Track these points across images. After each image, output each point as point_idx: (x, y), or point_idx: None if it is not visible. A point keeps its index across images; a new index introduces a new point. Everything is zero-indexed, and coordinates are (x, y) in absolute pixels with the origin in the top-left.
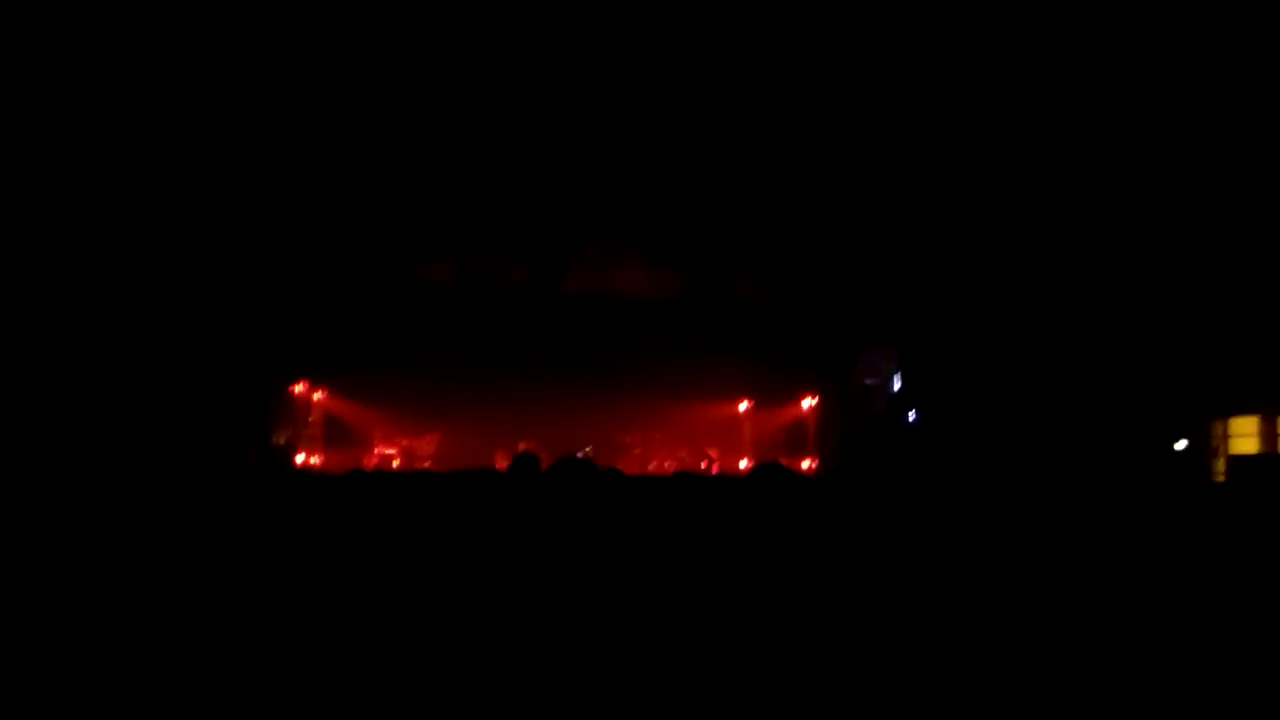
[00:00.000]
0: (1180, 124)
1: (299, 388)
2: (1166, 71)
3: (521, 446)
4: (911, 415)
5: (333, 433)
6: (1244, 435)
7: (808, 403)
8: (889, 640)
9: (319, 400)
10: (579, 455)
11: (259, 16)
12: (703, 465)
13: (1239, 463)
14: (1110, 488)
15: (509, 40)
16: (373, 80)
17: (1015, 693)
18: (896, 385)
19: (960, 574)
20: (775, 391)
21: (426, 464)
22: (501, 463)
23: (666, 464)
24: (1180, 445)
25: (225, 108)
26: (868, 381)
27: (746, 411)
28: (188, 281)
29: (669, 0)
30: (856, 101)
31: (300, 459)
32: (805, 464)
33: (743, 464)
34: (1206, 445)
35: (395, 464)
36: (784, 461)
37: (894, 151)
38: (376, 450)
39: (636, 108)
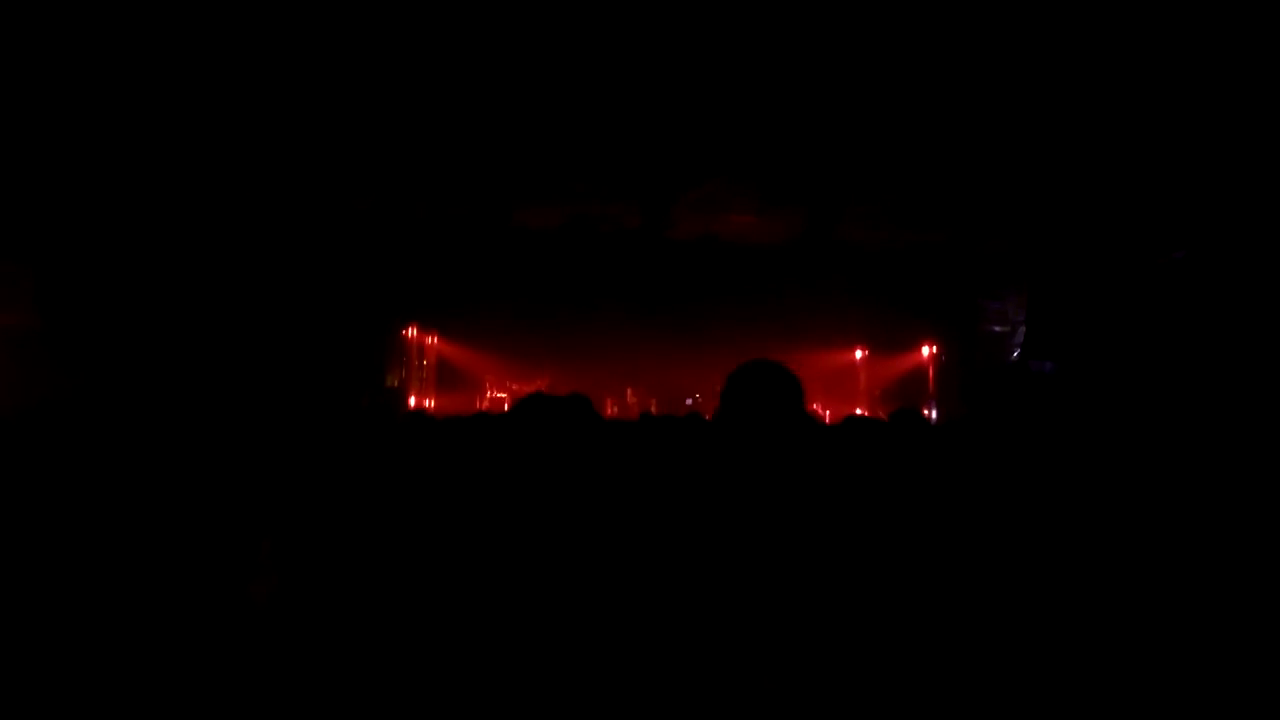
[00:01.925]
0: None
1: (412, 331)
2: None
3: (629, 392)
4: (1043, 364)
5: (445, 376)
6: None
7: (926, 350)
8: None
9: (431, 344)
10: (688, 402)
11: None
12: (688, 403)
13: None
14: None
15: None
16: (475, 21)
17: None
18: (1023, 332)
19: (1115, 548)
20: (892, 339)
21: None
22: (610, 410)
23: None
24: None
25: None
26: (995, 328)
27: (861, 360)
28: (302, 229)
29: None
30: (980, 35)
31: (413, 402)
32: (926, 414)
33: (858, 412)
34: None
35: (506, 408)
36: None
37: (1016, 80)
38: (489, 394)
39: (740, 38)
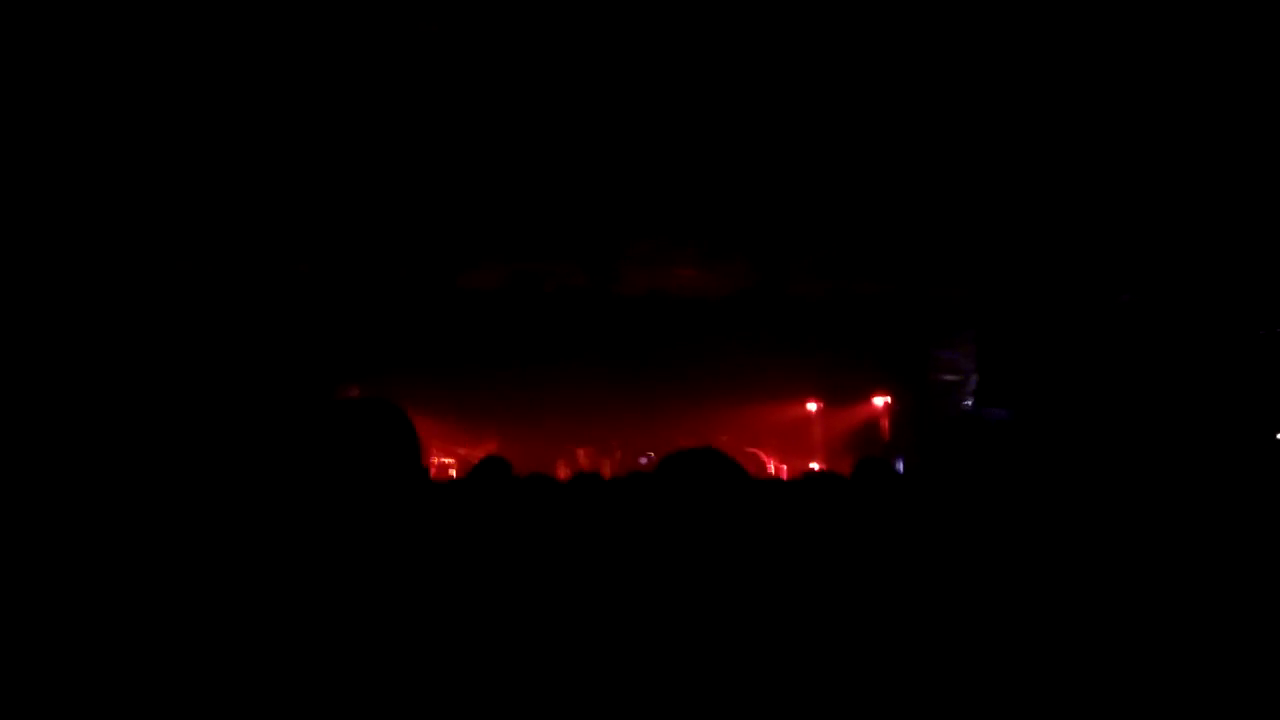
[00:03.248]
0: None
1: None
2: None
3: (581, 453)
4: (993, 411)
5: None
6: None
7: (881, 401)
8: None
9: None
10: (641, 461)
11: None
12: (642, 462)
13: None
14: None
15: (547, 29)
16: (412, 82)
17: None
18: (975, 380)
19: (1067, 576)
20: (845, 390)
21: None
22: (562, 471)
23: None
24: None
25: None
26: (946, 378)
27: (816, 412)
28: (234, 293)
29: None
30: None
31: None
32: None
33: (814, 466)
34: None
35: (452, 474)
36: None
37: (960, 128)
38: (435, 460)
39: (674, 98)
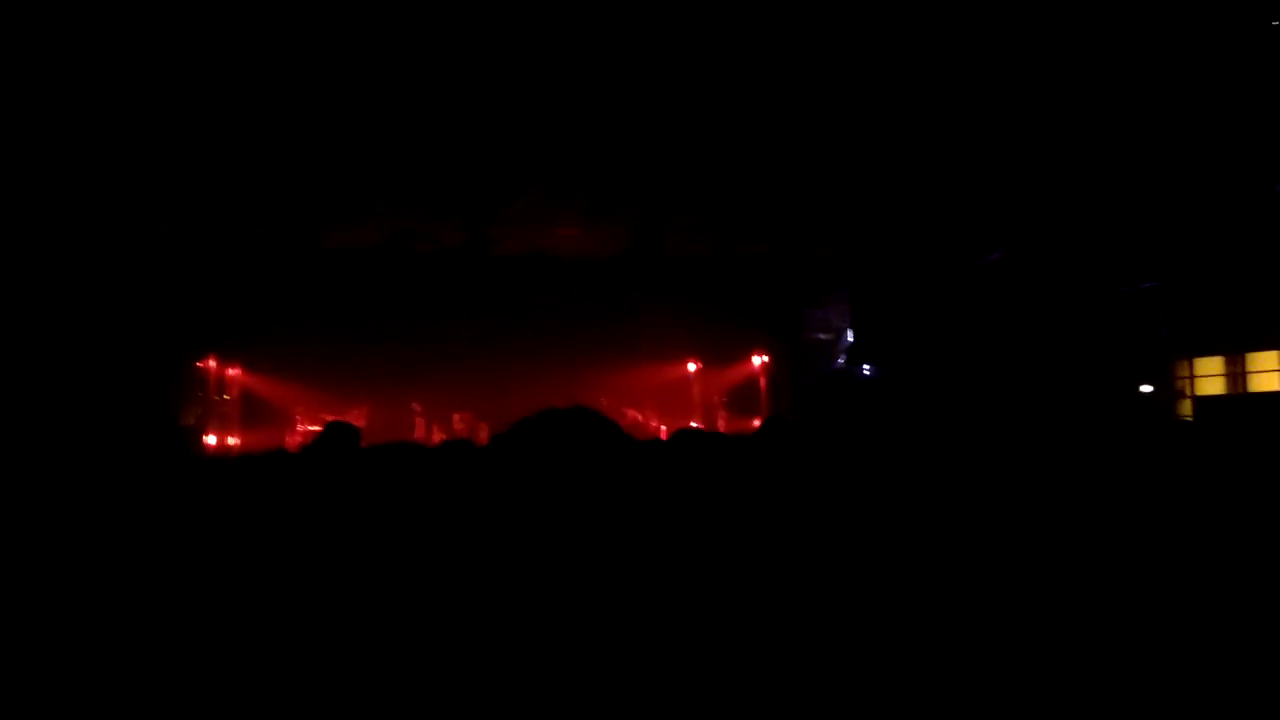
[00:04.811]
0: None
1: (210, 364)
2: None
3: (457, 418)
4: (866, 369)
5: (251, 411)
6: (1210, 375)
7: (758, 360)
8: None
9: (234, 377)
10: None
11: None
12: None
13: (1205, 404)
14: (1076, 435)
15: None
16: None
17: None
18: (848, 339)
19: (928, 536)
20: (723, 350)
21: None
22: (435, 435)
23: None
24: (1146, 389)
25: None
26: (820, 336)
27: (695, 373)
28: (76, 249)
29: None
30: (801, 38)
31: (213, 440)
32: (755, 423)
33: (693, 424)
34: (1172, 387)
35: None
36: (732, 422)
37: (835, 88)
38: (299, 428)
39: (562, 48)
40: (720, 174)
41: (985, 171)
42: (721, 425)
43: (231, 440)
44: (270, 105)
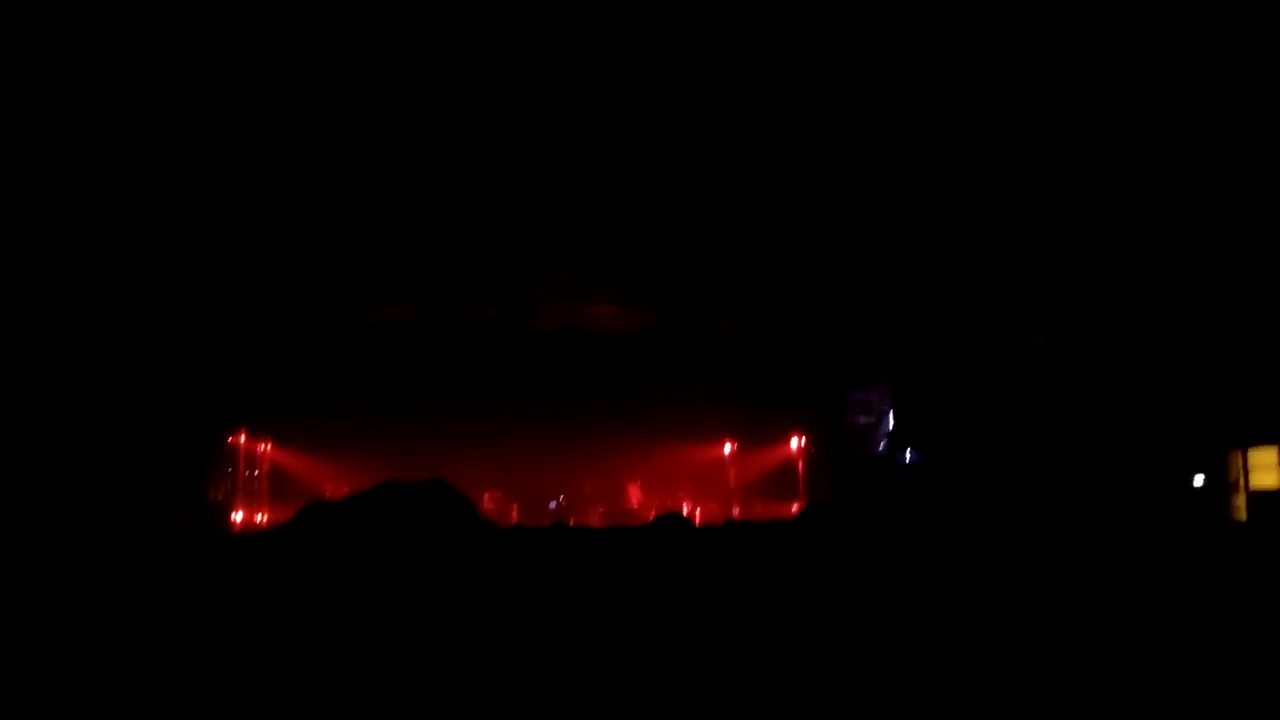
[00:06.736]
0: (1188, 138)
1: (241, 439)
2: (1168, 85)
3: (488, 497)
4: (909, 454)
5: (279, 486)
6: (1265, 468)
7: (796, 443)
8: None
9: (264, 452)
10: (551, 506)
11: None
12: (551, 507)
13: (1261, 500)
14: (1126, 528)
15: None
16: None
17: None
18: (890, 423)
19: (974, 626)
20: (760, 431)
21: None
22: None
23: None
24: (1198, 481)
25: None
26: (860, 419)
27: (730, 454)
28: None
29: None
30: (839, 116)
31: (239, 517)
32: (794, 508)
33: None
34: (1225, 479)
35: None
36: (767, 507)
37: (878, 168)
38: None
39: (600, 130)
40: (755, 256)
41: (1029, 252)
42: (758, 510)
43: (260, 517)
44: (305, 183)
